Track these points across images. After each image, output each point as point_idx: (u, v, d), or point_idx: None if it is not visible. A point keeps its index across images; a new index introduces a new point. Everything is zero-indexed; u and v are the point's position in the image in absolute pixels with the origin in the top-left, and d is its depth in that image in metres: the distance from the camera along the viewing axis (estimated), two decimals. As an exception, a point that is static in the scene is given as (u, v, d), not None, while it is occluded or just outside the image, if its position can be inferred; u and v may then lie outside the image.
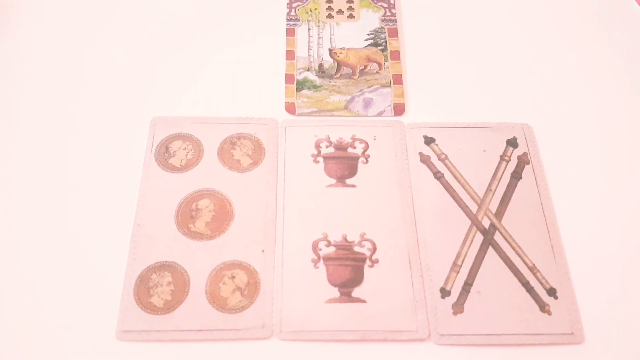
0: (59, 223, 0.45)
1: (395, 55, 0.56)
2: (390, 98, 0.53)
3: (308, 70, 0.55)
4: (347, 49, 0.56)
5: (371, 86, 0.54)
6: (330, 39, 0.57)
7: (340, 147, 0.50)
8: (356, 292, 0.43)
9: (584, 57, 0.58)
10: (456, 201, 0.47)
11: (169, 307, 0.42)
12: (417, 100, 0.54)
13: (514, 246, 0.45)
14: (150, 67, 0.55)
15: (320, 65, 0.56)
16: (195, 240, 0.44)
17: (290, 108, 0.52)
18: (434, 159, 0.49)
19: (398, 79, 0.55)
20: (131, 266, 0.43)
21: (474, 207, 0.47)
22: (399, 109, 0.53)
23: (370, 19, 0.59)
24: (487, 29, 0.60)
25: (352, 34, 0.58)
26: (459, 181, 0.48)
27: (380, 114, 0.52)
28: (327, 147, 0.50)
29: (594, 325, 0.42)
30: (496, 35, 0.59)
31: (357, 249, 0.45)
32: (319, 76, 0.55)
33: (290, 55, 0.56)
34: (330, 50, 0.56)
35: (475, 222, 0.46)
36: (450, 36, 0.59)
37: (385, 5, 0.61)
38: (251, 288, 0.43)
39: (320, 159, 0.49)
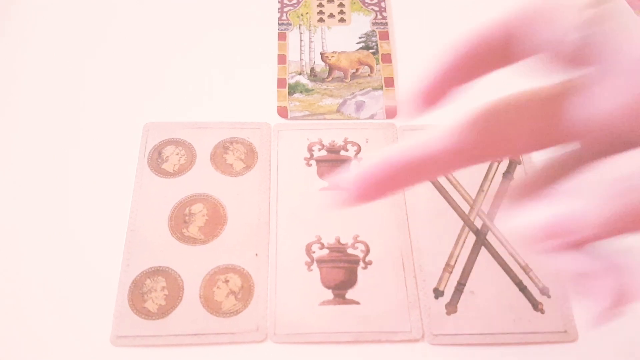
0: (51, 229, 0.45)
1: (387, 58, 0.57)
2: (382, 101, 0.54)
3: (300, 74, 0.55)
4: (339, 53, 0.57)
5: (363, 89, 0.54)
6: (322, 42, 0.58)
7: (333, 150, 0.50)
8: (350, 294, 0.43)
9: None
10: (448, 202, 0.47)
11: (164, 312, 0.42)
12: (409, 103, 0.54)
13: (506, 246, 0.45)
14: (142, 73, 0.55)
15: (312, 69, 0.56)
16: (189, 244, 0.45)
17: (283, 112, 0.53)
18: (426, 161, 0.49)
19: (390, 82, 0.55)
20: (125, 272, 0.43)
21: (466, 208, 0.47)
22: (391, 112, 0.53)
23: (361, 23, 0.60)
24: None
25: (344, 38, 0.58)
26: (450, 182, 0.48)
27: (372, 117, 0.53)
28: (319, 150, 0.50)
29: (587, 323, 0.42)
30: (486, 36, 0.59)
31: (350, 251, 0.45)
32: (310, 80, 0.55)
33: (282, 59, 0.56)
34: (321, 54, 0.57)
35: (467, 223, 0.46)
36: (441, 38, 0.59)
37: (377, 8, 0.61)
38: (245, 292, 0.43)
39: (313, 162, 0.49)
